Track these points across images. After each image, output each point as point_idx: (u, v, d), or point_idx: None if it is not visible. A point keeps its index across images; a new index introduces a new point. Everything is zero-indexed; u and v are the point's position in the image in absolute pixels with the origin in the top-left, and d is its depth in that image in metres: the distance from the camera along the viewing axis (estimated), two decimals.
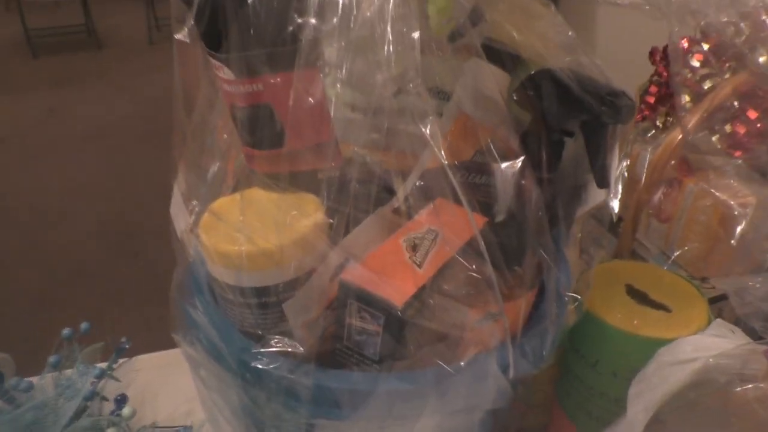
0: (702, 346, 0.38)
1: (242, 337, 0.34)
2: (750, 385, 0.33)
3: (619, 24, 1.69)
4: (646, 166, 0.56)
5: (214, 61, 0.33)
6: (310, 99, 0.32)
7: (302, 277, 0.33)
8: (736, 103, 0.52)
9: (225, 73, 0.33)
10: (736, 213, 0.46)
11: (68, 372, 0.45)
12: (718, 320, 0.41)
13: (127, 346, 0.47)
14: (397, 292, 0.32)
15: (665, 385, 0.38)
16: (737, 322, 0.44)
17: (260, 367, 0.32)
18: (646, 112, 0.58)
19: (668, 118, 0.58)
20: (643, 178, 0.56)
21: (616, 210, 0.56)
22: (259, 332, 0.33)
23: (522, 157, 0.34)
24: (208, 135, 0.37)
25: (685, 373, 0.38)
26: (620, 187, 0.58)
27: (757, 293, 0.30)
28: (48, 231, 2.32)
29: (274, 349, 0.32)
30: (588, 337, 0.46)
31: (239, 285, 0.33)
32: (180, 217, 0.35)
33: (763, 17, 0.48)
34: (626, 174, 0.58)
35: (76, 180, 2.67)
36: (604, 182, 0.37)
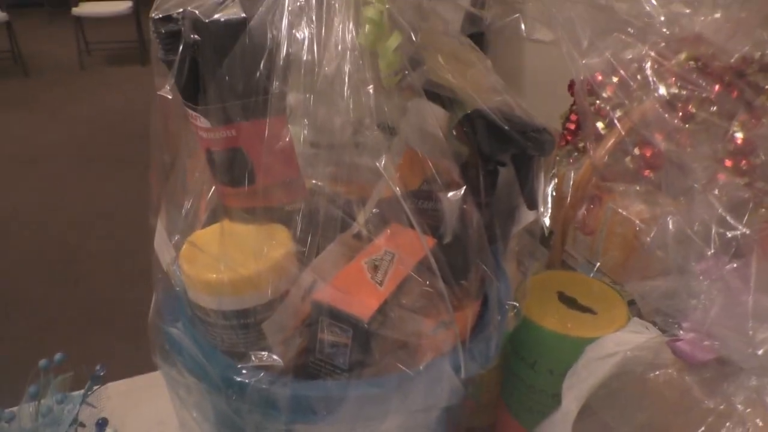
0: (621, 342, 0.45)
1: (224, 356, 0.38)
2: (659, 371, 0.39)
3: (543, 59, 1.83)
4: (570, 186, 0.64)
5: (190, 112, 0.37)
6: (279, 142, 0.36)
7: (278, 299, 0.38)
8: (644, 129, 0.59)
9: (201, 122, 0.37)
10: (639, 228, 0.53)
11: (46, 401, 0.48)
12: (635, 319, 0.47)
13: (102, 374, 0.50)
14: (363, 307, 0.36)
15: (593, 378, 0.44)
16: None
17: (243, 381, 0.36)
18: (569, 138, 0.66)
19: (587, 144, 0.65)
20: (569, 196, 0.63)
21: (547, 225, 0.63)
22: (241, 350, 0.37)
23: (464, 187, 0.39)
24: (182, 175, 0.41)
25: (608, 365, 0.44)
26: (549, 205, 0.65)
27: (655, 295, 0.36)
28: None
29: (255, 365, 0.36)
30: (526, 341, 0.52)
31: (221, 309, 0.37)
32: (164, 250, 0.39)
33: (660, 55, 0.56)
34: (554, 193, 0.66)
35: (9, 206, 2.58)
36: (532, 205, 0.43)
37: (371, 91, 0.35)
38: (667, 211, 0.34)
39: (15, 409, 0.48)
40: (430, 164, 0.44)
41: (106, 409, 0.58)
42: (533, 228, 0.64)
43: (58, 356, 0.50)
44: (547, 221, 0.64)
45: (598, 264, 0.59)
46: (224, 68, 0.34)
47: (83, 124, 3.34)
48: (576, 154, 0.67)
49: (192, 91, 0.36)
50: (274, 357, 0.36)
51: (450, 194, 0.39)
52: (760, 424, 0.31)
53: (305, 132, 0.41)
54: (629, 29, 0.61)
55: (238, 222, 0.40)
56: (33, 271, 2.19)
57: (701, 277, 0.33)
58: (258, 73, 0.35)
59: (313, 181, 0.44)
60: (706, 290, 0.32)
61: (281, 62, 0.35)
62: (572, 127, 0.65)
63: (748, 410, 0.32)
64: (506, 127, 0.39)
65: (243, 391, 0.37)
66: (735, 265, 0.32)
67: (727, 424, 0.32)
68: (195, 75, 0.35)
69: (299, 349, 0.38)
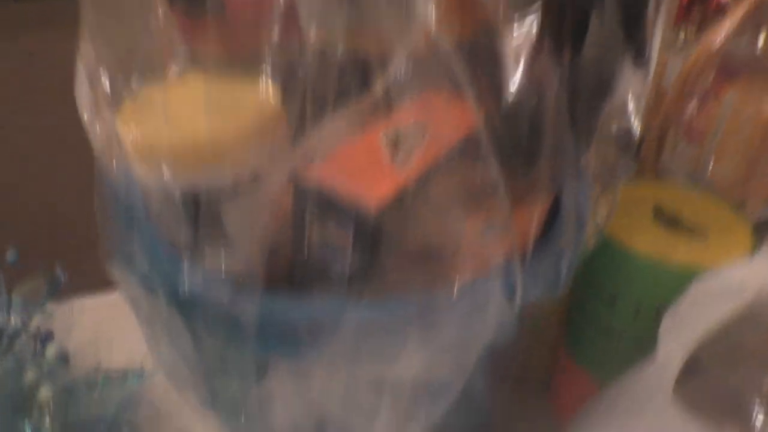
0: (752, 274, 0.31)
1: (173, 258, 0.27)
2: None
3: None
4: (675, 78, 0.48)
5: None
6: None
7: (247, 178, 0.26)
8: None
9: None
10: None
11: None
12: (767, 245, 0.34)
13: (62, 279, 0.40)
14: (372, 193, 0.24)
15: (706, 320, 0.30)
16: None
17: (193, 290, 0.25)
18: (679, 14, 0.50)
19: (703, 23, 0.50)
20: (672, 90, 0.47)
21: (638, 129, 0.48)
22: (193, 249, 0.26)
23: (536, 24, 0.26)
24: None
25: (731, 305, 0.30)
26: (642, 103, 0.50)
27: None
28: None
29: (210, 270, 0.25)
30: (606, 267, 0.39)
31: (167, 187, 0.26)
32: (85, 103, 0.27)
33: None
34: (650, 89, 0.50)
35: (59, 130, 2.56)
36: (641, 59, 0.29)
37: None
38: None
39: None
40: (490, 3, 0.30)
41: (83, 322, 0.49)
42: (617, 132, 0.48)
43: (11, 254, 0.40)
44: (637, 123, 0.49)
45: (709, 174, 0.45)
46: None
47: None
48: (684, 38, 0.51)
49: None
50: (237, 259, 0.24)
51: (514, 44, 0.25)
52: None
53: None
54: None
55: (203, 73, 0.28)
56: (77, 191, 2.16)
57: None
58: None
59: (320, 30, 0.31)
60: None
61: None
62: (685, 1, 0.49)
63: None
64: None
65: (196, 305, 0.25)
66: None
67: None
68: None
69: (278, 250, 0.26)
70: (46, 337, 0.37)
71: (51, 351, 0.36)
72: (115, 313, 0.53)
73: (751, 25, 0.46)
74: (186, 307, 0.26)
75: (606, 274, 0.39)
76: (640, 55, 0.28)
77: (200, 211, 0.26)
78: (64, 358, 0.36)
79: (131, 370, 0.42)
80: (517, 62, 0.27)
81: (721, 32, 0.44)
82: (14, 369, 0.35)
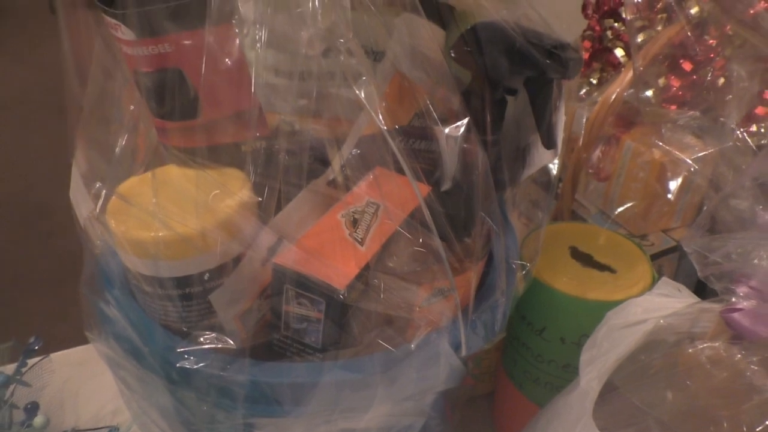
0: (651, 307, 0.37)
1: (165, 334, 0.30)
2: (703, 345, 0.32)
3: None
4: (583, 124, 0.55)
5: (109, 19, 0.28)
6: (225, 60, 0.28)
7: (230, 264, 0.30)
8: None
9: (123, 32, 0.28)
10: (673, 168, 0.45)
11: None
12: (664, 278, 0.40)
13: (36, 347, 0.42)
14: (338, 273, 0.28)
15: (616, 350, 0.36)
16: (676, 278, 0.43)
17: (188, 366, 0.28)
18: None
19: (603, 74, 0.57)
20: (581, 136, 0.54)
21: (556, 171, 0.55)
22: (185, 328, 0.30)
23: (466, 119, 0.31)
24: (111, 108, 0.32)
25: (635, 335, 0.36)
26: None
27: (721, 252, 0.28)
28: None
29: (202, 346, 0.29)
30: (534, 304, 0.45)
31: (157, 276, 0.29)
32: (80, 202, 0.30)
33: None
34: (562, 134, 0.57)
35: None
36: (551, 142, 0.35)
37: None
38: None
39: None
40: (423, 93, 0.35)
41: (52, 382, 0.50)
42: (540, 174, 0.55)
43: None
44: (556, 166, 0.56)
45: (615, 213, 0.52)
46: None
47: (51, 69, 3.17)
48: (588, 88, 0.58)
49: None
50: (225, 336, 0.28)
51: (449, 129, 0.31)
52: None
53: (264, 54, 0.32)
54: None
55: (180, 165, 0.32)
56: (2, 224, 2.08)
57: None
58: None
59: (279, 116, 0.36)
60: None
61: None
62: (585, 55, 0.56)
63: None
64: (520, 43, 0.31)
65: (188, 377, 0.29)
66: None
67: None
68: None
69: (260, 326, 0.30)
70: (32, 409, 0.39)
71: (39, 421, 0.38)
72: (80, 369, 0.55)
73: (642, 79, 0.53)
74: (179, 379, 0.30)
75: (535, 309, 0.45)
76: (549, 142, 0.33)
77: (189, 294, 0.29)
78: (46, 425, 0.39)
79: (106, 427, 0.44)
80: (451, 148, 0.32)
81: (617, 86, 0.51)
82: None
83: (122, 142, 0.33)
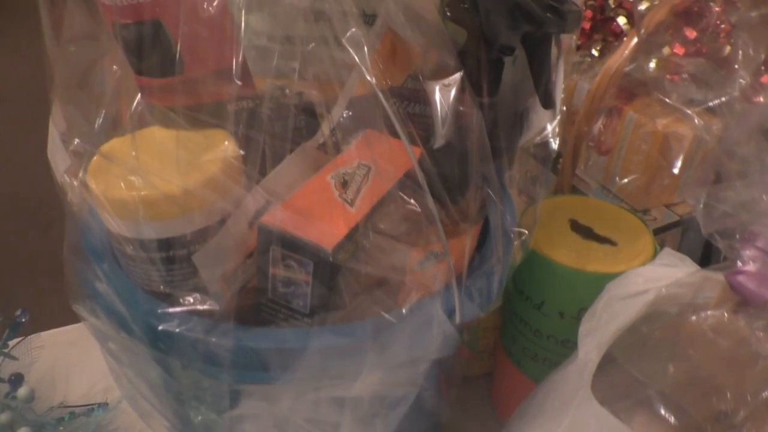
0: (652, 277, 0.36)
1: (148, 298, 0.29)
2: (705, 314, 0.31)
3: None
4: (584, 97, 0.54)
5: None
6: (206, 9, 0.26)
7: (214, 225, 0.28)
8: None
9: None
10: (676, 140, 0.44)
11: None
12: (667, 249, 0.39)
13: (23, 320, 0.41)
14: (327, 234, 0.27)
15: (616, 321, 0.35)
16: (680, 250, 0.42)
17: (171, 330, 0.27)
18: (581, 40, 0.56)
19: (605, 45, 0.55)
20: (582, 109, 0.53)
21: (556, 146, 0.54)
22: (168, 290, 0.28)
23: (459, 74, 0.30)
24: (92, 70, 0.31)
25: (636, 306, 0.35)
26: (557, 120, 0.55)
27: (728, 204, 0.27)
28: None
29: (185, 309, 0.28)
30: (533, 277, 0.44)
31: (139, 237, 0.28)
32: (59, 159, 0.29)
33: None
34: (564, 107, 0.56)
35: None
36: (549, 102, 0.33)
37: None
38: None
39: None
40: (418, 53, 0.34)
41: (41, 359, 0.49)
42: (538, 148, 0.54)
43: None
44: (554, 140, 0.54)
45: (616, 187, 0.50)
46: None
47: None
48: (589, 60, 0.57)
49: None
50: (209, 299, 0.27)
51: (442, 83, 0.29)
52: None
53: (254, 19, 0.31)
54: None
55: (164, 126, 0.31)
56: (2, 215, 2.08)
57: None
58: None
59: (268, 80, 0.34)
60: None
61: None
62: (586, 26, 0.55)
63: None
64: None
65: (172, 342, 0.28)
66: None
67: None
68: None
69: (246, 289, 0.29)
70: (16, 380, 0.38)
71: (23, 392, 0.37)
72: (72, 348, 0.54)
73: (643, 51, 0.52)
74: (162, 342, 0.29)
75: (533, 283, 0.44)
76: (548, 102, 0.32)
77: (172, 256, 0.28)
78: (31, 398, 0.38)
79: (95, 403, 0.43)
80: (445, 103, 0.31)
81: (618, 57, 0.50)
82: None
83: (105, 103, 0.32)
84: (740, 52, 0.46)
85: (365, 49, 0.30)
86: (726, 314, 0.31)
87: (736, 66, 0.46)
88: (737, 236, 0.27)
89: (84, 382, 0.51)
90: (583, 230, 0.45)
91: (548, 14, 0.29)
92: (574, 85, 0.56)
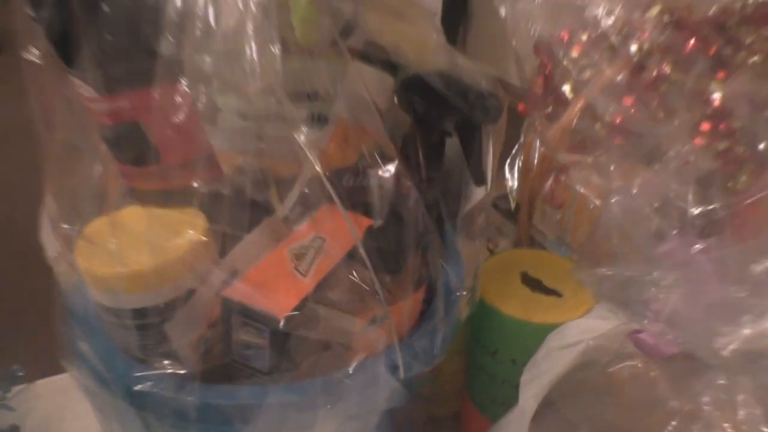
0: (585, 329, 0.40)
1: (126, 361, 0.33)
2: (624, 364, 0.35)
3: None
4: (536, 156, 0.59)
5: (73, 78, 0.32)
6: (174, 113, 0.31)
7: (183, 296, 0.33)
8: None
9: (86, 90, 0.32)
10: (595, 203, 0.48)
11: None
12: (601, 303, 0.43)
13: (20, 374, 0.45)
14: (279, 304, 0.31)
15: (553, 370, 0.39)
16: None
17: (145, 390, 0.31)
18: (531, 105, 0.60)
19: (556, 109, 0.60)
20: (534, 168, 0.58)
21: (514, 198, 0.58)
22: (142, 355, 0.33)
23: (395, 161, 0.34)
24: (79, 154, 0.36)
25: (570, 356, 0.39)
26: (516, 177, 0.60)
27: (608, 285, 0.31)
28: None
29: (157, 372, 0.32)
30: (487, 328, 0.48)
31: (117, 307, 0.32)
32: (48, 243, 0.34)
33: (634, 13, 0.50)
34: (521, 163, 0.60)
35: None
36: (480, 180, 0.38)
37: (277, 52, 0.29)
38: (617, 187, 0.29)
39: None
40: (368, 136, 0.39)
41: (37, 409, 0.53)
42: (502, 201, 0.59)
43: None
44: (513, 194, 0.59)
45: (569, 238, 0.55)
46: (101, 24, 0.29)
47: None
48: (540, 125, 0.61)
49: (67, 53, 0.30)
50: (177, 364, 0.31)
51: (380, 171, 0.34)
52: (729, 429, 0.27)
53: (231, 101, 0.36)
54: None
55: (147, 205, 0.35)
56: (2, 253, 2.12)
57: (664, 261, 0.28)
58: (142, 31, 0.29)
59: (241, 159, 0.39)
60: (667, 276, 0.28)
61: (172, 18, 0.29)
62: (539, 92, 0.60)
63: (717, 413, 0.27)
64: (447, 93, 0.34)
65: (146, 400, 0.32)
66: (702, 246, 0.28)
67: (693, 428, 0.27)
68: (69, 34, 0.30)
69: (213, 352, 0.33)
70: (12, 431, 0.42)
71: None
72: (66, 395, 0.58)
73: (590, 113, 0.57)
74: (138, 400, 0.33)
75: (487, 333, 0.48)
76: (478, 179, 0.36)
77: (146, 324, 0.32)
78: None
79: None
80: (382, 190, 0.36)
81: (565, 121, 0.54)
82: None
83: (91, 188, 0.36)
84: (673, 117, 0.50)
85: (314, 140, 0.34)
86: (641, 365, 0.35)
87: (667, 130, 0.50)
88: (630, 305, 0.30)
89: (78, 428, 0.55)
90: (533, 282, 0.49)
91: (474, 109, 0.34)
92: (530, 143, 0.60)
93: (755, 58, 0.53)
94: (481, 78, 0.37)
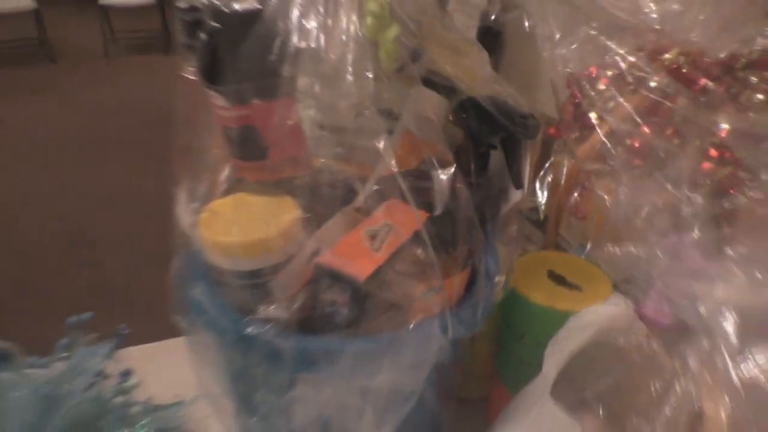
0: (600, 313, 0.49)
1: (235, 311, 0.43)
2: (630, 336, 0.43)
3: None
4: (564, 173, 0.67)
5: (210, 92, 0.42)
6: (288, 121, 0.41)
7: (284, 261, 0.42)
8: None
9: (219, 101, 0.41)
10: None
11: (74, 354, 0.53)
12: (616, 293, 0.51)
13: (126, 332, 0.55)
14: (360, 270, 0.41)
15: (572, 345, 0.48)
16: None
17: (252, 333, 0.41)
18: (561, 130, 0.69)
19: (582, 133, 0.69)
20: (562, 184, 0.66)
21: (543, 209, 0.67)
22: (251, 307, 0.42)
23: (453, 166, 0.43)
24: (204, 152, 0.45)
25: (587, 334, 0.48)
26: (545, 191, 0.69)
27: (621, 261, 0.39)
28: None
29: (262, 317, 0.41)
30: (516, 314, 0.56)
31: (235, 269, 0.42)
32: (184, 215, 0.43)
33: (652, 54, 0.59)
34: (550, 179, 0.69)
35: (34, 190, 2.67)
36: (519, 184, 0.47)
37: (371, 76, 0.39)
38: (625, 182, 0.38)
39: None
40: (427, 147, 0.48)
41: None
42: (531, 213, 0.68)
43: (86, 315, 0.55)
44: (542, 206, 0.68)
45: (588, 249, 0.63)
46: (240, 53, 0.39)
47: (105, 109, 3.42)
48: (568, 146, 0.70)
49: (212, 73, 0.40)
50: (278, 312, 0.41)
51: (441, 172, 0.43)
52: (710, 380, 0.35)
53: (312, 114, 0.45)
54: (627, 25, 0.65)
55: (251, 193, 0.45)
56: (46, 253, 2.26)
57: (662, 250, 0.37)
58: (270, 58, 0.39)
59: (321, 160, 0.48)
60: (663, 260, 0.36)
61: (291, 49, 0.39)
62: (568, 117, 0.68)
63: (700, 369, 0.35)
64: (495, 113, 0.43)
65: (252, 343, 0.41)
66: (695, 239, 0.36)
67: (682, 379, 0.36)
68: (215, 59, 0.40)
69: (303, 306, 0.42)
70: (126, 373, 0.51)
71: (133, 383, 0.50)
72: (151, 362, 0.67)
73: (614, 138, 0.65)
74: (245, 344, 0.42)
75: (516, 319, 0.56)
76: (518, 184, 0.45)
77: (256, 283, 0.42)
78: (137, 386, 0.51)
79: (175, 401, 0.56)
80: (442, 186, 0.45)
81: (589, 145, 0.63)
82: (97, 399, 0.50)
83: (207, 175, 0.46)
84: (686, 144, 0.59)
85: (389, 147, 0.44)
86: (644, 339, 0.43)
87: (683, 154, 0.59)
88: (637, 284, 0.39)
89: (164, 388, 0.64)
90: (557, 278, 0.57)
91: (516, 127, 0.43)
92: (558, 162, 0.69)
93: (759, 96, 0.62)
94: (519, 103, 0.46)
